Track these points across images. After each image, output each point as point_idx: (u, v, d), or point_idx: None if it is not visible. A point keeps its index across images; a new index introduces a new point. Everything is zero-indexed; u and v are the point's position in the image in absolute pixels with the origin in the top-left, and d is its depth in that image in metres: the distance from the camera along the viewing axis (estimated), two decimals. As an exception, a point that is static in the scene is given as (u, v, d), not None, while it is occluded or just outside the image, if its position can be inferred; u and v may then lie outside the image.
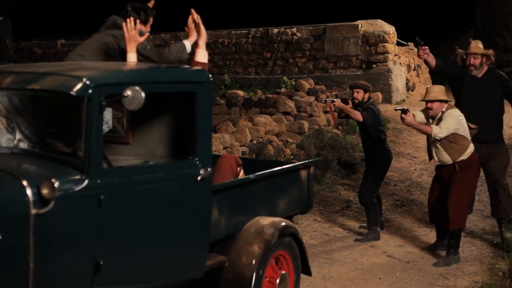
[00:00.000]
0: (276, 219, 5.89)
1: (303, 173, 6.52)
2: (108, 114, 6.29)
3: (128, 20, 6.12)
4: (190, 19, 6.23)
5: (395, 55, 17.67)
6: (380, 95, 16.66)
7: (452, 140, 7.86)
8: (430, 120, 8.05)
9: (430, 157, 8.22)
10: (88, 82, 4.54)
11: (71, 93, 4.52)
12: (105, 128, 6.15)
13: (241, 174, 6.10)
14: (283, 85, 16.70)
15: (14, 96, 5.16)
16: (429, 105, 7.98)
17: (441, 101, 7.94)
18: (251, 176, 5.82)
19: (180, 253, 5.08)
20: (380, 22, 17.58)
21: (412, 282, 7.26)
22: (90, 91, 4.52)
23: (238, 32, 19.37)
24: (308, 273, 6.27)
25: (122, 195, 4.68)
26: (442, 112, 7.93)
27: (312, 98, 14.27)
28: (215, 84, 18.12)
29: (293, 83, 16.44)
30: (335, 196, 10.67)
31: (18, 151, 4.98)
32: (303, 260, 6.15)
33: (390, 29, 17.51)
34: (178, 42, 6.75)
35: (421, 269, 7.69)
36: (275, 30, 18.53)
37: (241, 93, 15.29)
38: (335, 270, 7.55)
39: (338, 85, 16.85)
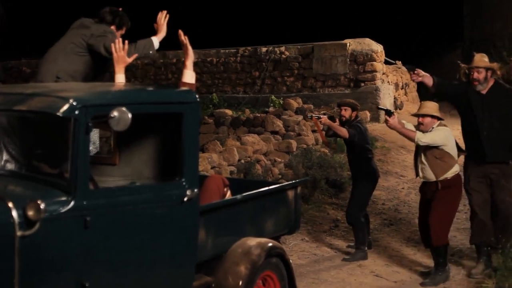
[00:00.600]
0: (263, 239, 5.88)
1: (291, 193, 6.52)
2: (95, 135, 6.30)
3: (117, 41, 6.14)
4: (159, 16, 6.29)
5: (383, 73, 17.74)
6: (368, 114, 16.69)
7: (438, 156, 7.77)
8: None
9: (417, 173, 8.10)
10: (74, 103, 4.54)
11: (58, 114, 4.52)
12: (93, 149, 6.16)
13: (228, 195, 6.09)
14: (271, 104, 16.73)
15: (1, 117, 5.15)
16: (420, 119, 7.89)
17: (433, 117, 7.85)
18: (238, 196, 5.82)
19: (167, 274, 5.07)
20: (368, 40, 17.66)
21: (399, 302, 7.27)
22: (76, 112, 4.53)
23: (227, 51, 19.40)
24: (296, 293, 6.27)
25: (109, 216, 4.67)
26: (433, 128, 7.85)
27: (300, 117, 14.29)
28: (203, 103, 18.12)
29: (281, 102, 16.46)
30: (323, 215, 10.66)
31: (4, 172, 4.96)
32: (290, 281, 6.13)
33: (378, 47, 17.59)
34: (146, 39, 6.76)
35: (408, 288, 7.70)
36: (264, 49, 18.57)
37: (229, 112, 15.30)
38: (322, 290, 7.55)
39: (326, 103, 16.88)
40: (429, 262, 8.40)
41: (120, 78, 6.11)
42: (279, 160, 12.27)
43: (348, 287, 7.68)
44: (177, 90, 5.53)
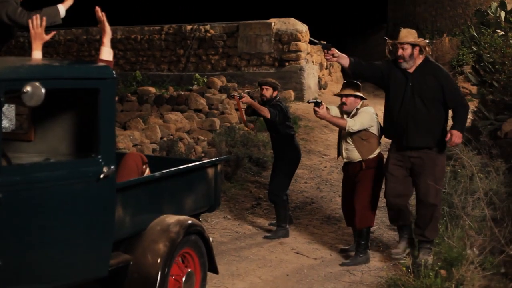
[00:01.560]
0: (182, 217, 5.85)
1: (211, 171, 6.50)
2: (11, 111, 6.16)
3: (34, 17, 6.01)
4: None
5: (308, 53, 17.86)
6: (292, 93, 16.80)
7: (364, 137, 7.73)
8: (345, 116, 7.84)
9: (339, 153, 8.04)
10: (-14, 78, 4.42)
11: (-32, 88, 4.40)
12: (9, 125, 6.01)
13: (147, 172, 6.04)
14: (196, 82, 16.67)
15: None
16: (343, 99, 7.82)
17: (356, 96, 7.78)
18: (156, 174, 5.77)
19: (83, 252, 4.99)
20: (293, 20, 17.73)
21: (319, 279, 7.33)
22: (-12, 86, 4.41)
23: (151, 28, 19.24)
24: (215, 271, 6.27)
25: (22, 194, 4.57)
26: (357, 108, 7.78)
27: (224, 96, 14.29)
28: (127, 80, 17.94)
29: (205, 80, 16.43)
30: (246, 193, 10.69)
31: None
32: (210, 258, 6.14)
33: (303, 27, 17.68)
34: (51, 7, 6.64)
35: (328, 265, 7.76)
36: (188, 27, 18.48)
37: (152, 90, 15.19)
38: (243, 267, 7.56)
39: (251, 82, 16.92)
40: (350, 239, 8.51)
41: (37, 55, 5.98)
42: (202, 138, 12.25)
43: (269, 264, 7.71)
44: (93, 65, 5.43)
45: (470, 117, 13.28)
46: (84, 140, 5.35)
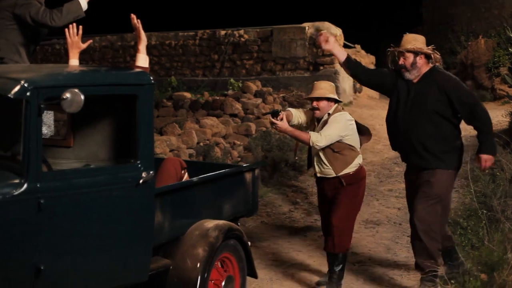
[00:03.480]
0: (220, 222, 5.86)
1: (248, 176, 6.50)
2: (50, 117, 6.22)
3: (70, 26, 6.08)
4: None
5: (342, 57, 17.76)
6: (327, 97, 16.73)
7: (336, 149, 6.70)
8: (316, 123, 6.91)
9: (309, 165, 7.07)
10: (26, 85, 4.47)
11: (9, 95, 4.44)
12: (47, 132, 6.07)
13: (185, 177, 6.06)
14: (230, 87, 16.69)
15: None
16: (314, 103, 6.80)
17: (328, 99, 6.78)
18: (195, 179, 5.79)
19: (123, 257, 5.03)
20: (327, 24, 17.68)
21: (358, 283, 7.29)
22: (28, 93, 4.45)
23: (185, 33, 19.30)
24: (254, 275, 6.27)
25: (63, 199, 4.61)
26: (329, 114, 6.77)
27: (259, 100, 14.28)
28: (162, 86, 18.02)
29: (240, 85, 16.44)
30: (283, 198, 10.68)
31: (-44, 155, 4.88)
32: (248, 263, 6.14)
33: (337, 31, 17.62)
34: (73, 1, 6.71)
35: (368, 269, 7.71)
36: (222, 32, 18.50)
37: (188, 95, 15.23)
38: (282, 272, 7.54)
39: (286, 87, 16.90)
40: (389, 244, 8.44)
41: (74, 63, 6.06)
42: (238, 143, 12.26)
43: (307, 268, 7.69)
44: (131, 71, 5.46)
45: (507, 119, 13.21)
46: (123, 145, 5.38)
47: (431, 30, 25.02)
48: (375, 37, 26.11)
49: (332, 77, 17.10)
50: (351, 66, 6.92)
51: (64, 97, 4.40)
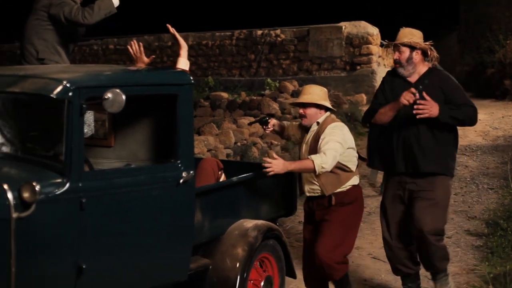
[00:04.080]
0: (259, 221, 5.87)
1: (286, 176, 6.48)
2: (90, 117, 6.27)
3: (132, 43, 6.10)
4: None
5: (379, 56, 17.70)
6: (364, 97, 16.66)
7: None
8: (306, 134, 6.12)
9: (301, 190, 6.26)
10: (68, 85, 4.50)
11: (51, 95, 4.48)
12: (87, 131, 6.13)
13: (223, 178, 6.08)
14: (267, 87, 16.69)
15: (-6, 99, 5.13)
16: (301, 111, 6.01)
17: (318, 106, 5.98)
18: (234, 178, 5.79)
19: (163, 256, 5.05)
20: (363, 23, 17.62)
21: (397, 284, 7.23)
22: (70, 93, 4.49)
23: (222, 33, 19.35)
24: (293, 275, 6.26)
25: (104, 198, 4.65)
26: (318, 123, 5.98)
27: (297, 100, 14.26)
28: (199, 86, 18.08)
29: (277, 85, 16.43)
30: (320, 197, 10.62)
31: (-1, 154, 4.95)
32: (287, 263, 6.13)
33: (374, 30, 17.55)
34: None
35: (406, 270, 7.67)
36: (259, 32, 18.52)
37: (225, 95, 15.27)
38: (319, 272, 7.52)
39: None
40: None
41: None
42: (276, 143, 12.25)
43: (345, 269, 7.65)
44: (171, 71, 5.50)
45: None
46: (163, 145, 5.41)
47: (469, 29, 24.80)
48: (412, 36, 25.92)
49: (369, 77, 17.05)
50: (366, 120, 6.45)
51: (105, 97, 4.44)
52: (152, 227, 4.94)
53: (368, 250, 8.33)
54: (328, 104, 6.02)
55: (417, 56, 6.15)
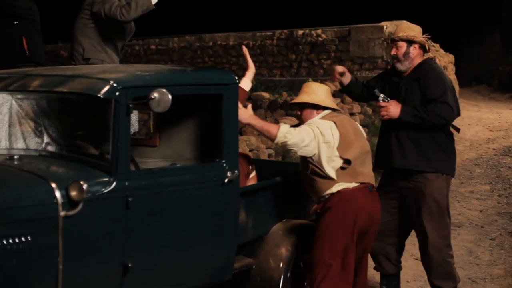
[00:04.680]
0: (303, 221, 5.87)
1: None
2: (134, 117, 6.33)
3: (244, 52, 6.37)
4: None
5: (421, 56, 17.57)
6: (405, 97, 16.58)
7: (309, 171, 5.48)
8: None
9: None
10: (115, 85, 4.54)
11: (99, 95, 4.52)
12: (132, 130, 6.18)
13: (253, 174, 6.01)
14: (309, 87, 16.65)
15: (41, 99, 5.19)
16: (298, 112, 5.73)
17: (315, 107, 5.57)
18: (278, 178, 5.80)
19: (208, 255, 5.08)
20: (405, 23, 17.43)
21: (440, 285, 7.19)
22: (117, 93, 4.52)
23: (263, 34, 19.36)
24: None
25: (150, 197, 4.68)
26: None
27: (338, 100, 14.21)
28: (241, 86, 18.11)
29: (318, 85, 16.39)
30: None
31: (46, 153, 5.01)
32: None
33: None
34: None
35: (449, 272, 7.61)
36: (300, 32, 18.49)
37: (266, 95, 15.27)
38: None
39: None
40: (471, 246, 8.31)
41: (245, 82, 6.28)
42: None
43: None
44: (216, 71, 5.53)
45: None
46: (208, 145, 5.43)
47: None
48: (454, 35, 25.74)
49: (411, 77, 16.94)
50: (347, 88, 6.57)
51: (152, 96, 4.47)
52: (196, 227, 4.96)
53: (411, 251, 8.27)
54: (326, 103, 5.53)
55: (414, 50, 6.05)
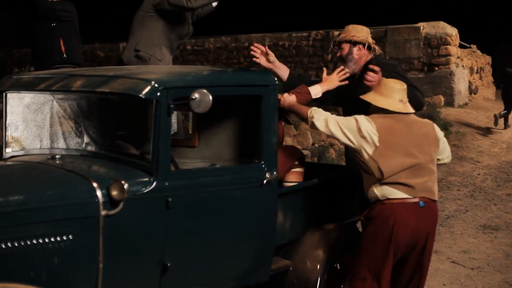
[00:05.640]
0: (340, 224, 5.85)
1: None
2: (173, 117, 6.36)
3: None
4: None
5: (458, 57, 17.46)
6: (442, 98, 16.48)
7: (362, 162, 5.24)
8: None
9: None
10: (156, 85, 4.57)
11: (140, 95, 4.54)
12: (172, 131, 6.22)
13: (297, 169, 5.84)
14: (344, 88, 16.63)
15: (82, 99, 5.25)
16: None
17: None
18: (316, 180, 5.78)
19: (246, 256, 5.09)
20: (442, 24, 17.39)
21: (477, 289, 7.16)
22: (158, 94, 4.54)
23: (299, 34, 19.34)
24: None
25: (189, 198, 4.70)
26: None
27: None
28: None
29: (354, 86, 16.36)
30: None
31: (87, 153, 5.06)
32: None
33: (453, 31, 17.31)
34: None
35: (486, 276, 7.56)
36: (336, 33, 18.42)
37: (301, 96, 15.26)
38: (398, 275, 7.46)
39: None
40: (508, 249, 8.25)
41: (316, 89, 5.90)
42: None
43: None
44: (256, 72, 5.52)
45: None
46: (247, 146, 5.44)
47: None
48: (491, 36, 25.50)
49: (447, 78, 16.84)
50: (290, 83, 6.22)
51: (193, 97, 4.48)
52: (235, 227, 4.98)
53: (447, 254, 8.24)
54: (383, 104, 5.22)
55: (359, 51, 5.96)
